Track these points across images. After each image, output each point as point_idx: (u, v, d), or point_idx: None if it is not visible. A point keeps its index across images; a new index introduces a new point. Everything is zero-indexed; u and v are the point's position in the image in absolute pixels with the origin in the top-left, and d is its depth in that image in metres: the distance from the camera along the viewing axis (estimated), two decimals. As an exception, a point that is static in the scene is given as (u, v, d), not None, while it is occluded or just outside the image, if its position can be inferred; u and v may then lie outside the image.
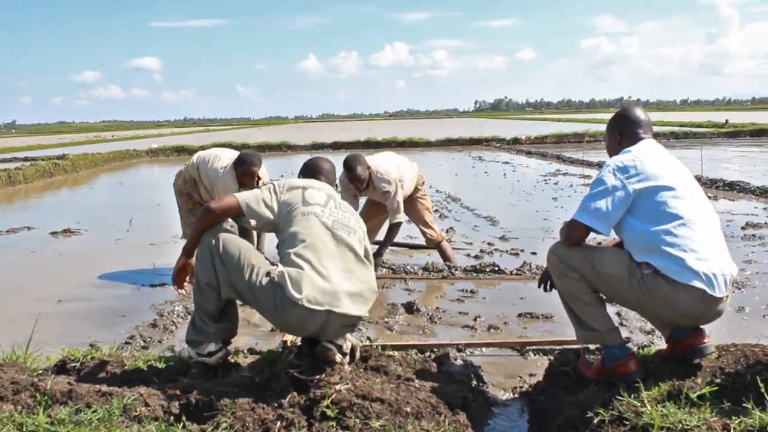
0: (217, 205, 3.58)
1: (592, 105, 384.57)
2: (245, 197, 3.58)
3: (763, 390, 3.00)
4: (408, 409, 3.09)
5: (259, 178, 6.64)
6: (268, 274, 3.40)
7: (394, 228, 6.95)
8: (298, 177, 3.97)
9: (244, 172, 6.46)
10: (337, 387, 3.17)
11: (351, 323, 3.54)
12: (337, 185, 4.00)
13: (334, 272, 3.42)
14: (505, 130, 37.79)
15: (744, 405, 2.94)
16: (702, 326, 3.46)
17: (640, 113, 3.71)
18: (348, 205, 3.81)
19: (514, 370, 4.28)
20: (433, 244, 7.19)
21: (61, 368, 3.65)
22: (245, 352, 4.44)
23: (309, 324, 3.41)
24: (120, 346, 4.49)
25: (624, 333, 3.69)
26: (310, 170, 3.97)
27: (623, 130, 3.65)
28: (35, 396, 3.17)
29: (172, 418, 3.11)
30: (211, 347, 3.66)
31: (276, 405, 3.13)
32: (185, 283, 3.74)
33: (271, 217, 3.57)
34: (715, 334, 3.58)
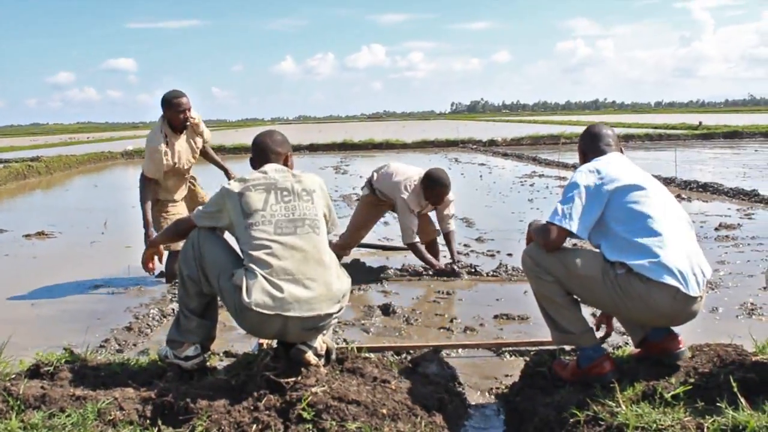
0: (181, 226, 3.93)
1: (567, 107, 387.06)
2: (195, 214, 3.78)
3: (736, 389, 3.03)
4: (384, 411, 3.10)
5: (192, 117, 6.42)
6: (232, 275, 3.45)
7: (454, 235, 7.13)
8: (250, 160, 3.97)
9: (176, 110, 6.23)
10: (314, 389, 3.16)
11: (314, 325, 3.50)
12: (289, 155, 3.95)
13: (285, 279, 3.42)
14: (481, 131, 37.90)
15: (717, 404, 2.97)
16: (676, 330, 3.50)
17: (601, 129, 3.80)
18: (296, 177, 3.75)
19: (491, 372, 4.29)
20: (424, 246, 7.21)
21: (34, 372, 3.61)
22: (221, 354, 4.43)
23: (266, 327, 3.46)
24: (95, 349, 4.44)
25: (598, 334, 3.71)
26: (259, 154, 3.93)
27: (587, 148, 3.73)
28: (8, 401, 3.14)
29: (147, 422, 3.09)
30: (190, 351, 3.67)
31: (252, 408, 3.12)
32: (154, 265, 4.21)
33: (219, 225, 3.70)
34: (688, 335, 3.62)
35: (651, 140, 31.17)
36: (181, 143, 6.39)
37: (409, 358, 4.05)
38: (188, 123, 6.30)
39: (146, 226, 6.14)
